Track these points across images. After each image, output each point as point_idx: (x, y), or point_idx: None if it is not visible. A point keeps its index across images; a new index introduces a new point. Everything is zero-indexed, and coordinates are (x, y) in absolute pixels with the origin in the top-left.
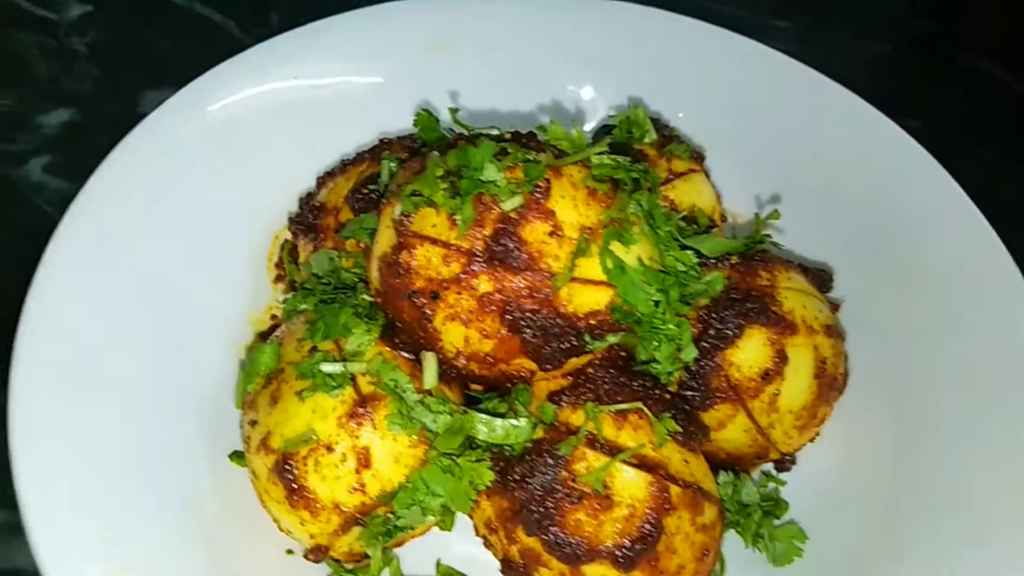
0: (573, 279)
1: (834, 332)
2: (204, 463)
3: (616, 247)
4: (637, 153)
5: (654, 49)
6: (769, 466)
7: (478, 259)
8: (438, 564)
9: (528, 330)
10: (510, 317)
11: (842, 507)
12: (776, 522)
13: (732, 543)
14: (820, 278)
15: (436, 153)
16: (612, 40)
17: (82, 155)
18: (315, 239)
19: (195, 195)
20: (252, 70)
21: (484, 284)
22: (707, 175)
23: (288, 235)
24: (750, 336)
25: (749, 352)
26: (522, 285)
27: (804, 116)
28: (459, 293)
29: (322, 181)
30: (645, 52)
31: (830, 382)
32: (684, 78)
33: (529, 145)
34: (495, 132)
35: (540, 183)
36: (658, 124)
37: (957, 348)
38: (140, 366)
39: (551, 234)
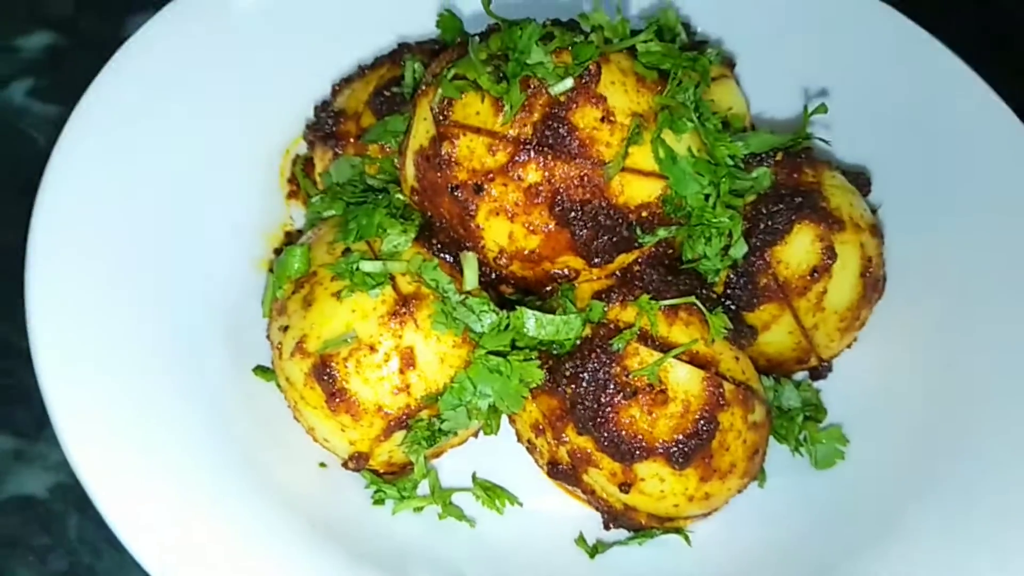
0: (625, 169)
1: (878, 232)
2: (229, 378)
3: (668, 136)
4: None
5: None
6: (804, 376)
7: (526, 147)
8: (474, 477)
9: (578, 222)
10: (559, 208)
11: (875, 419)
12: (818, 426)
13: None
14: (859, 180)
15: (477, 37)
16: None
17: (67, 79)
18: (334, 147)
19: (199, 108)
20: None
21: (532, 174)
22: (738, 82)
23: (300, 151)
24: (800, 232)
25: (798, 248)
26: (573, 173)
27: (841, 29)
28: (505, 184)
29: (339, 88)
30: None
31: (874, 283)
32: None
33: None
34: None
35: (590, 66)
36: (688, 28)
37: (993, 259)
38: (156, 286)
39: (602, 120)
